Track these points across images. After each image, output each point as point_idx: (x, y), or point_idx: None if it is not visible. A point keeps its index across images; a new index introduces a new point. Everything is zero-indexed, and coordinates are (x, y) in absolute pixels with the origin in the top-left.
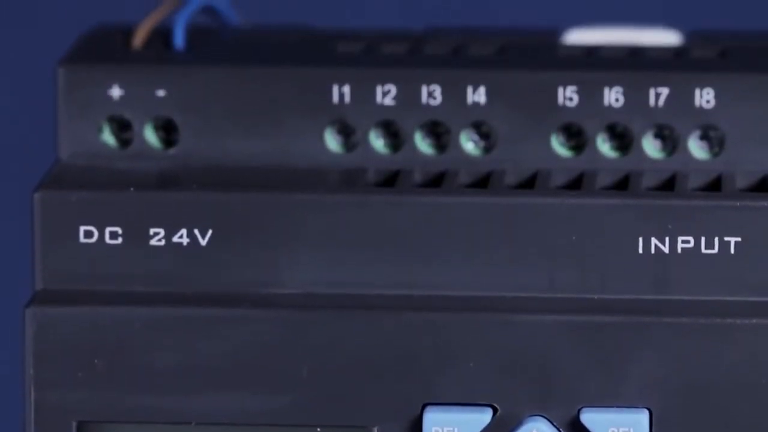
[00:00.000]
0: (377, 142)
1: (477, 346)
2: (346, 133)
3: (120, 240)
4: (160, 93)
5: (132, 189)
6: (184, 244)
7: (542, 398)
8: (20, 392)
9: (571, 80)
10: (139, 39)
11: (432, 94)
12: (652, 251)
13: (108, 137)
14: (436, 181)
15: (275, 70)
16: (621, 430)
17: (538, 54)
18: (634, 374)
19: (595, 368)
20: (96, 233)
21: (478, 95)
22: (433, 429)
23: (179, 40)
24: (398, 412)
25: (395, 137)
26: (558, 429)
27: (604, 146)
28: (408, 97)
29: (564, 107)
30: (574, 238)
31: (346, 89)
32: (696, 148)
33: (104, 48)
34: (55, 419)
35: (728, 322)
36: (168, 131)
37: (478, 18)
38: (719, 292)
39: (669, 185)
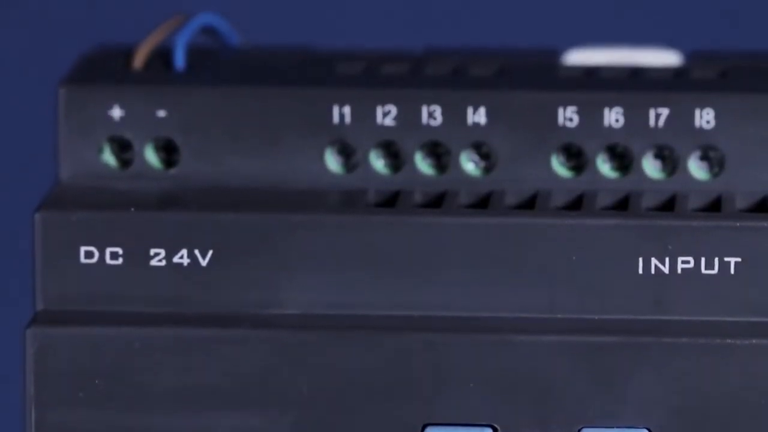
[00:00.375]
0: (377, 163)
1: (477, 366)
2: (346, 153)
3: (120, 260)
4: (161, 113)
5: (132, 209)
6: (185, 264)
7: (542, 418)
8: (20, 412)
9: (571, 101)
10: (139, 59)
11: (432, 115)
12: (652, 271)
13: (108, 157)
14: (437, 202)
15: (275, 91)
16: None
17: (538, 74)
18: (633, 394)
19: (595, 388)
20: (96, 254)
21: (478, 116)
22: None
23: (180, 60)
24: None
25: (395, 158)
26: None
27: (604, 167)
28: (408, 118)
29: (564, 128)
30: (574, 258)
31: (347, 110)
32: (696, 169)
33: (105, 68)
34: None
35: (728, 342)
36: (168, 151)
37: (478, 38)
38: (719, 313)
39: (669, 206)
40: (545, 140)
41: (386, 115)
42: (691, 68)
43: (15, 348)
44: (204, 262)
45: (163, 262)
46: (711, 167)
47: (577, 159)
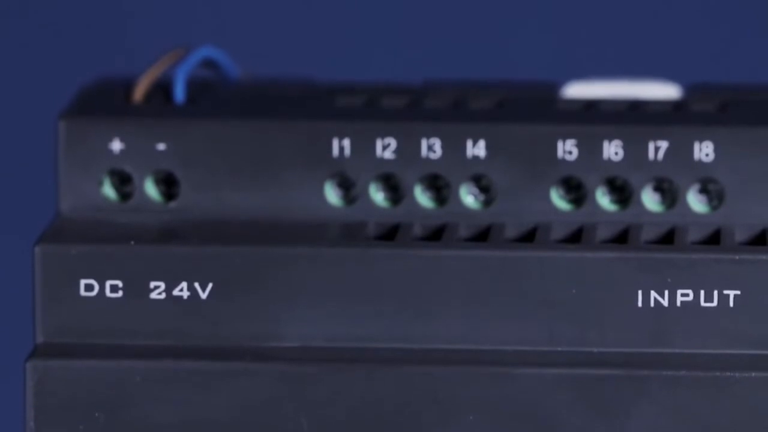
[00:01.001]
0: (377, 196)
1: (477, 399)
2: (346, 186)
3: (120, 293)
4: (161, 146)
5: (132, 242)
6: (185, 297)
7: None
8: None
9: (571, 134)
10: (139, 92)
11: (432, 148)
12: (652, 304)
13: (108, 190)
14: (436, 235)
15: (275, 124)
16: None
17: (538, 107)
18: (633, 427)
19: (595, 421)
20: (96, 287)
21: (477, 149)
22: None
23: (180, 93)
24: None
25: (395, 190)
26: None
27: (604, 199)
28: (408, 151)
29: (563, 161)
30: (573, 291)
31: (346, 142)
32: (695, 202)
33: (105, 101)
34: None
35: (727, 375)
36: (168, 185)
37: (478, 71)
38: (718, 346)
39: (668, 239)
40: (545, 173)
41: (386, 148)
42: (690, 101)
43: (15, 381)
44: (204, 295)
45: (163, 295)
46: (710, 200)
47: (577, 192)
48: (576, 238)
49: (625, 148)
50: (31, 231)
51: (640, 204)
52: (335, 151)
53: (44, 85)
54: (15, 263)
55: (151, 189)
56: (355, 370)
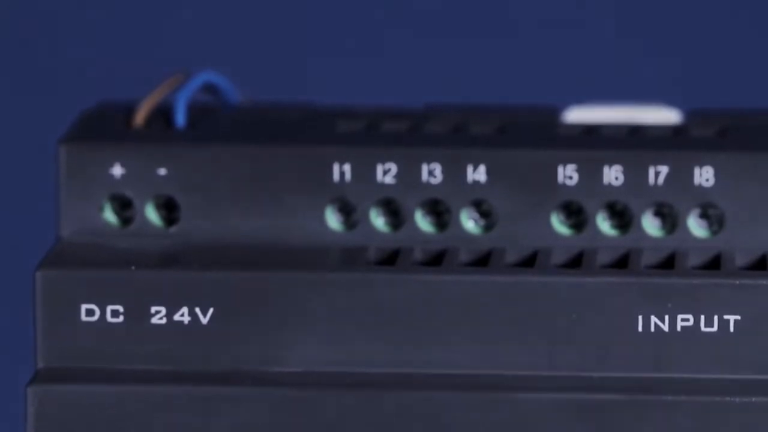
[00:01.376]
0: (378, 221)
1: (477, 424)
2: (346, 211)
3: (121, 318)
4: (162, 171)
5: (133, 267)
6: (186, 322)
7: None
8: None
9: (571, 159)
10: (140, 117)
11: (432, 173)
12: (652, 329)
13: (109, 215)
14: (437, 260)
15: (276, 149)
16: None
17: (538, 132)
18: None
19: None
20: (97, 311)
21: (478, 174)
22: None
23: (180, 118)
24: None
25: (396, 215)
26: None
27: (604, 224)
28: (408, 176)
29: (564, 186)
30: (574, 316)
31: (347, 168)
32: (695, 227)
33: (105, 126)
34: None
35: (728, 400)
36: (169, 209)
37: (479, 95)
38: (719, 371)
39: (669, 263)
40: (545, 198)
41: (386, 173)
42: (690, 126)
43: (16, 406)
44: (205, 320)
45: (164, 320)
46: (710, 225)
47: (577, 217)
48: (576, 263)
49: (625, 173)
50: (32, 256)
51: (640, 229)
52: (336, 176)
53: (45, 110)
54: (16, 288)
55: (151, 214)
56: (355, 394)
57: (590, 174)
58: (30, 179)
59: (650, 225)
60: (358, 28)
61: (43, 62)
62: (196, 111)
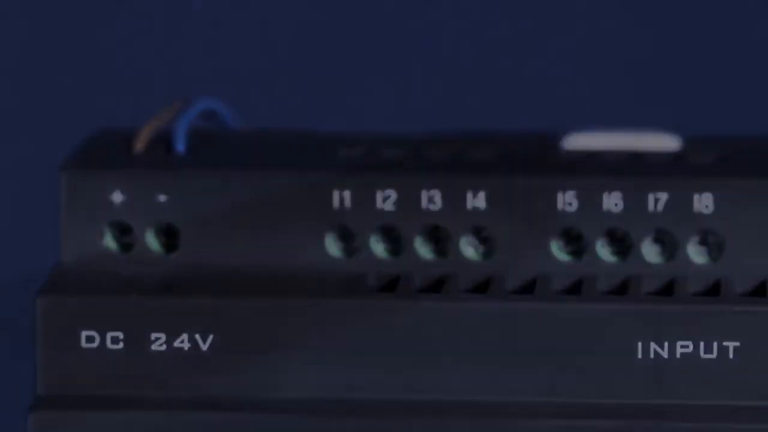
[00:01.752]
0: (378, 247)
1: None
2: (346, 238)
3: (121, 345)
4: (162, 198)
5: (133, 294)
6: (185, 349)
7: None
8: None
9: (571, 185)
10: (140, 144)
11: (432, 200)
12: (651, 356)
13: (110, 242)
14: (437, 286)
15: (276, 175)
16: None
17: (538, 159)
18: None
19: None
20: (97, 338)
21: (478, 200)
22: None
23: (180, 144)
24: None
25: (395, 242)
26: None
27: (604, 251)
28: (408, 203)
29: (563, 212)
30: (573, 342)
31: (347, 194)
32: (695, 253)
33: (106, 153)
34: None
35: (727, 427)
36: (169, 236)
37: (478, 121)
38: (718, 397)
39: (668, 290)
40: (545, 225)
41: (386, 200)
42: (689, 153)
43: None
44: (205, 347)
45: (164, 347)
46: (710, 252)
47: (577, 243)
48: (576, 289)
49: (624, 199)
50: (32, 282)
51: (640, 255)
52: (336, 203)
53: (46, 137)
54: (16, 314)
55: (152, 240)
56: (355, 421)
57: (590, 201)
58: (31, 205)
59: (650, 251)
60: (357, 54)
61: (44, 89)
62: (195, 137)
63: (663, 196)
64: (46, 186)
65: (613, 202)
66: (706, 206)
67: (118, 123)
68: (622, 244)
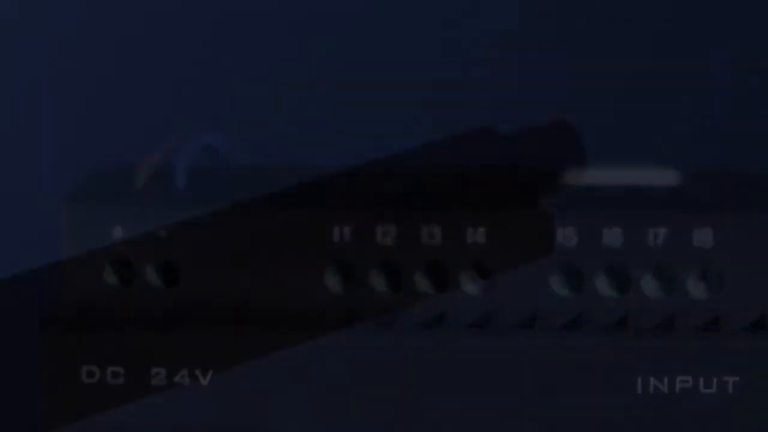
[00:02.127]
0: (377, 282)
1: None
2: (346, 273)
3: (122, 380)
4: (162, 234)
5: (133, 329)
6: (186, 383)
7: None
8: None
9: (570, 220)
10: (140, 179)
11: (432, 235)
12: (651, 391)
13: (110, 277)
14: (436, 321)
15: (276, 211)
16: None
17: (537, 194)
18: None
19: None
20: (98, 373)
21: (477, 235)
22: None
23: (180, 180)
24: None
25: (395, 277)
26: None
27: (603, 285)
28: (408, 238)
29: (563, 247)
30: (573, 377)
31: (347, 229)
32: (694, 288)
33: (107, 188)
34: None
35: None
36: (169, 271)
37: (477, 157)
38: None
39: (668, 325)
40: (544, 259)
41: (386, 235)
42: (688, 187)
43: None
44: (205, 382)
45: (164, 382)
46: (709, 286)
47: (576, 278)
48: (576, 324)
49: (624, 234)
50: (32, 317)
51: (639, 290)
52: (336, 238)
53: (47, 172)
54: (18, 349)
55: (152, 275)
56: None
57: (589, 235)
58: (31, 240)
59: (649, 286)
60: (355, 86)
61: (45, 123)
62: (195, 173)
63: (662, 231)
64: (48, 221)
65: (612, 236)
66: (706, 241)
67: (119, 159)
68: (622, 279)
